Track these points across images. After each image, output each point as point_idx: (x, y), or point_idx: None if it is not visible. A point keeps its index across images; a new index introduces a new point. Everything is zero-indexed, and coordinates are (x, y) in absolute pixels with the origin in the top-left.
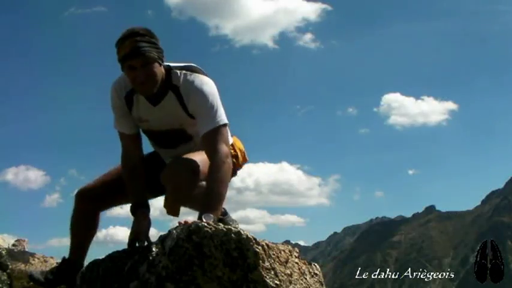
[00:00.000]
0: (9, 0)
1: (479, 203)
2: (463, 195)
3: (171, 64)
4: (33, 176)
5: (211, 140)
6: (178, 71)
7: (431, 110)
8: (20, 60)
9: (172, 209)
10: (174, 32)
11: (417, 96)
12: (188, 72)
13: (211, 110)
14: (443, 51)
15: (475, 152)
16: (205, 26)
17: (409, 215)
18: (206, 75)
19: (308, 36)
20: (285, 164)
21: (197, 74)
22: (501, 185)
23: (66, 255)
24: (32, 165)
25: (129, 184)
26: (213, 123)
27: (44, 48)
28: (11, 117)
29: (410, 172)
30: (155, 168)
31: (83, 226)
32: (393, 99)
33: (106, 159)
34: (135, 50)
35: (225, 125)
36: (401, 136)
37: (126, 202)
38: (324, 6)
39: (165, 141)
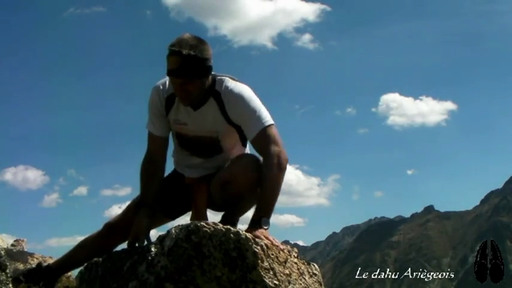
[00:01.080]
0: (10, 0)
1: (478, 203)
2: (462, 195)
3: (216, 74)
4: (32, 176)
5: (261, 143)
6: (220, 78)
7: (430, 110)
8: (19, 60)
9: (203, 213)
10: (173, 33)
11: (416, 96)
12: (230, 80)
13: (253, 113)
14: (442, 51)
15: (474, 152)
16: (204, 26)
17: (408, 215)
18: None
19: (307, 37)
20: None
21: (236, 82)
22: (500, 185)
23: (64, 255)
24: (31, 165)
25: (143, 185)
26: (258, 126)
27: (43, 48)
28: (11, 117)
29: (409, 172)
30: (171, 191)
31: (92, 253)
32: (392, 99)
33: (105, 160)
34: (176, 70)
35: (270, 125)
36: (400, 136)
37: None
38: (322, 6)
39: (197, 148)
